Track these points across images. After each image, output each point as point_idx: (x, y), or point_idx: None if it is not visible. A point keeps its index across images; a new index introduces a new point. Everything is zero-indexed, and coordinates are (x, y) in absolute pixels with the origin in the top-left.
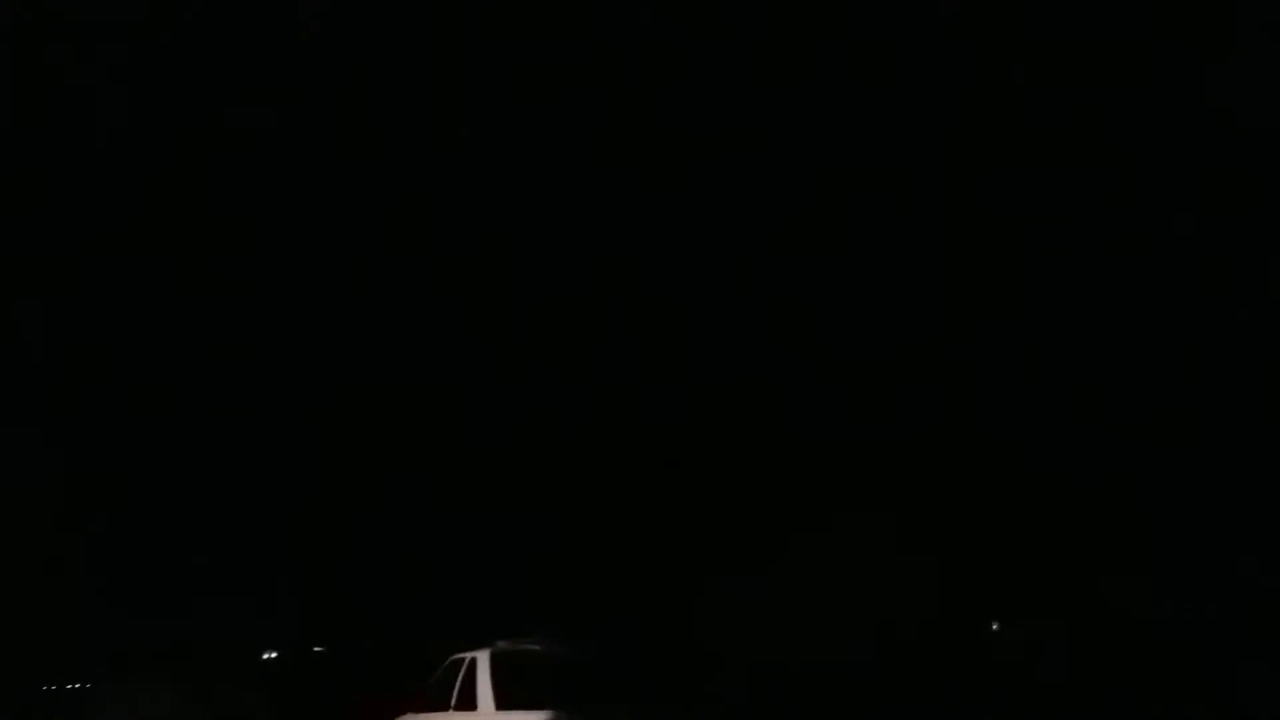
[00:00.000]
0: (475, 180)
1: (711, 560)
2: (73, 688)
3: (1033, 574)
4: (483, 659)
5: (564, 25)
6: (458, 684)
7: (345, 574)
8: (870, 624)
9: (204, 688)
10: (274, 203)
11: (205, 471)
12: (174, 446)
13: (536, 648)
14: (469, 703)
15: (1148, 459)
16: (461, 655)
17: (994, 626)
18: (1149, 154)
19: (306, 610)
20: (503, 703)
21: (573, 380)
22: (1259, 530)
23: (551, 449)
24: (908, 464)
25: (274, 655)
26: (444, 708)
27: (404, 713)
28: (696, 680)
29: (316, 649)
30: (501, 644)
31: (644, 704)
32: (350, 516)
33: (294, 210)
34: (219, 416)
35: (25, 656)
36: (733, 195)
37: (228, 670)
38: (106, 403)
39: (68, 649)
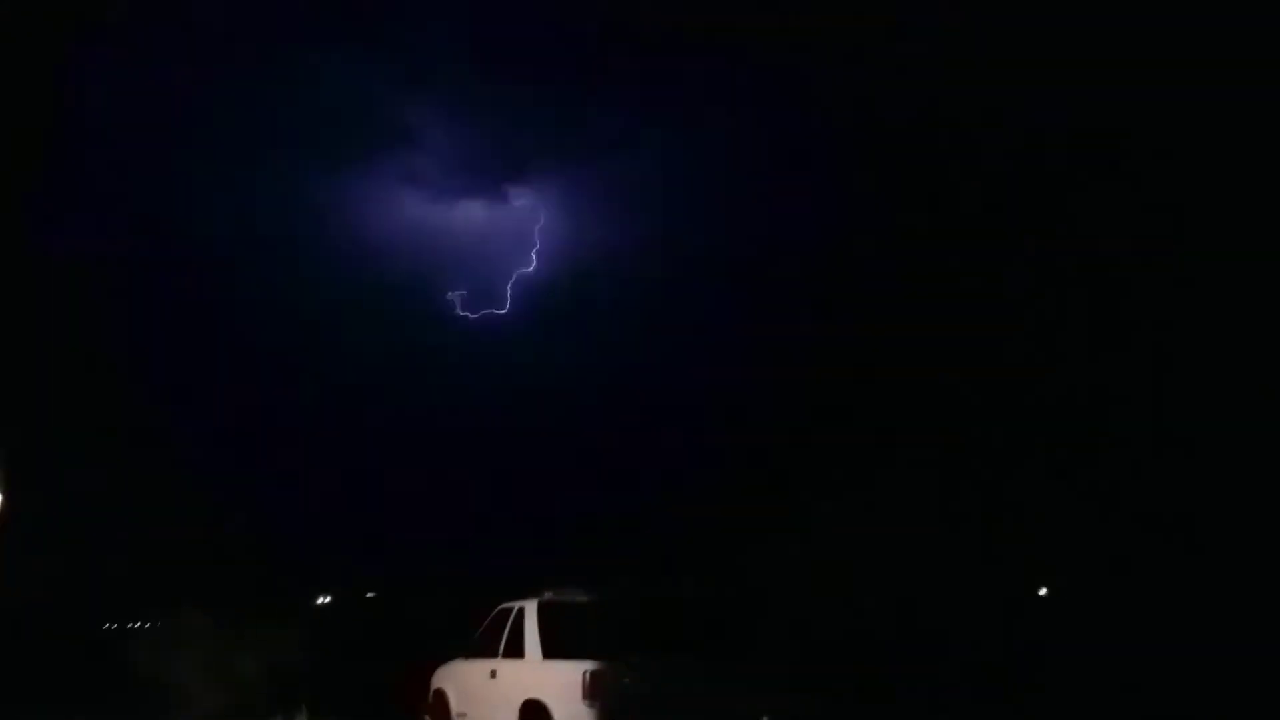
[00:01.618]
0: None
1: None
2: (133, 626)
3: None
4: (530, 609)
5: None
6: (505, 633)
7: (403, 522)
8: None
9: (257, 629)
10: None
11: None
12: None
13: (583, 598)
14: (517, 651)
15: None
16: (510, 605)
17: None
18: None
19: (365, 557)
20: (550, 651)
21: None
22: None
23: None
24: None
25: (328, 600)
26: (492, 655)
27: (454, 659)
28: (739, 631)
29: (369, 595)
30: (549, 594)
31: (688, 653)
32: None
33: None
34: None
35: (89, 595)
36: None
37: (283, 612)
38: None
39: (130, 589)
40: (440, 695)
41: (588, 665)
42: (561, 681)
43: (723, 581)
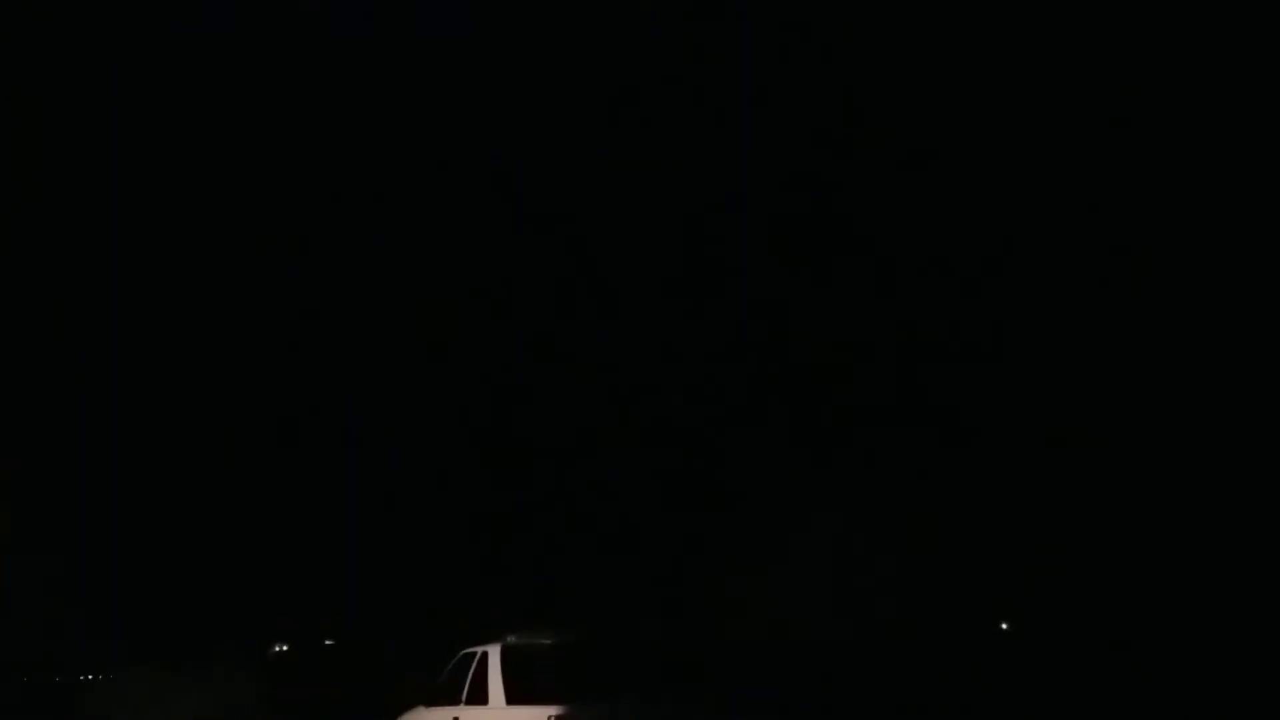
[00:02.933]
0: None
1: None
2: (85, 679)
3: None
4: (493, 653)
5: None
6: (469, 679)
7: (358, 570)
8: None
9: (213, 680)
10: None
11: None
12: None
13: (546, 641)
14: (480, 697)
15: None
16: (473, 650)
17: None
18: None
19: (318, 606)
20: (514, 697)
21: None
22: None
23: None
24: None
25: (284, 649)
26: (455, 702)
27: (415, 707)
28: (704, 672)
29: (328, 643)
30: (512, 638)
31: (653, 696)
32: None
33: None
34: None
35: (37, 648)
36: None
37: (238, 662)
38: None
39: (83, 641)
40: None
41: (552, 710)
42: None
43: (689, 615)
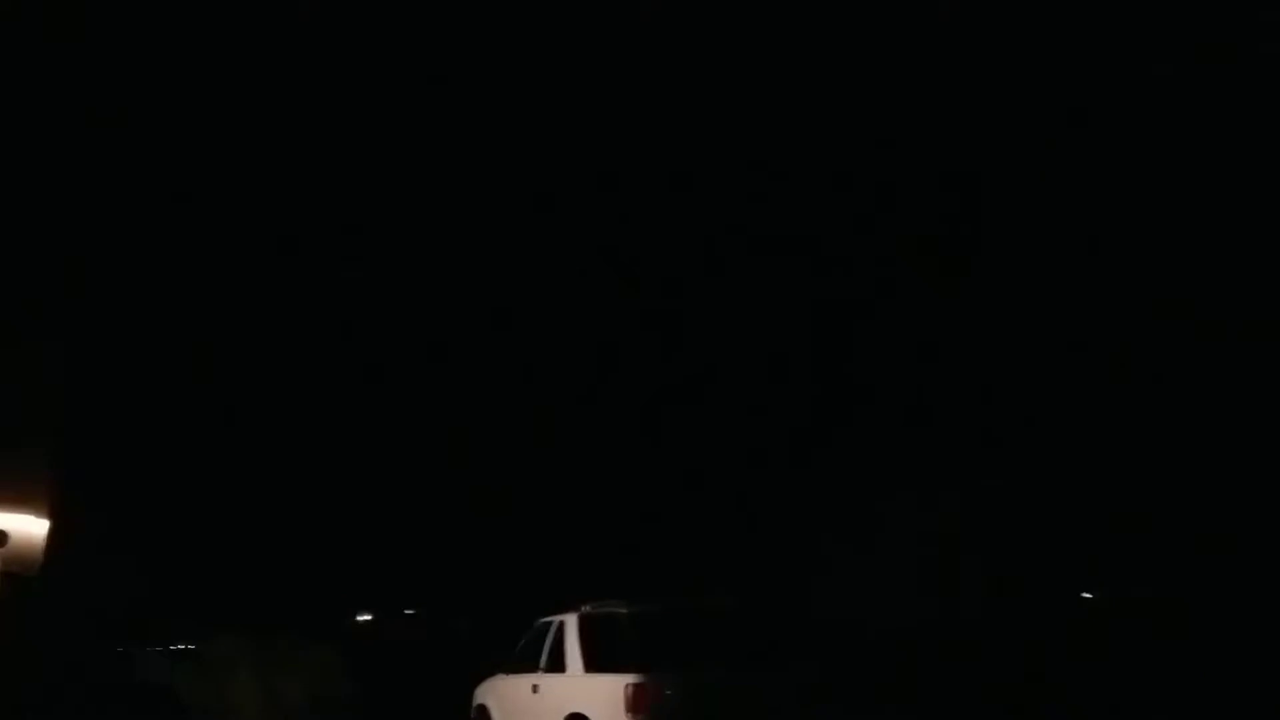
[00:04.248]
0: None
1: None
2: (178, 648)
3: None
4: (571, 622)
5: None
6: (546, 646)
7: (444, 538)
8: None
9: (295, 650)
10: None
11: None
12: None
13: (623, 610)
14: (558, 665)
15: None
16: (550, 618)
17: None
18: None
19: (403, 574)
20: (591, 665)
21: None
22: None
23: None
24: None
25: (368, 618)
26: (533, 669)
27: (495, 674)
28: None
29: (408, 612)
30: (588, 607)
31: (731, 663)
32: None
33: None
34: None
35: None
36: None
37: (319, 632)
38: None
39: (170, 612)
40: (483, 710)
41: (630, 678)
42: (604, 694)
43: (759, 589)
